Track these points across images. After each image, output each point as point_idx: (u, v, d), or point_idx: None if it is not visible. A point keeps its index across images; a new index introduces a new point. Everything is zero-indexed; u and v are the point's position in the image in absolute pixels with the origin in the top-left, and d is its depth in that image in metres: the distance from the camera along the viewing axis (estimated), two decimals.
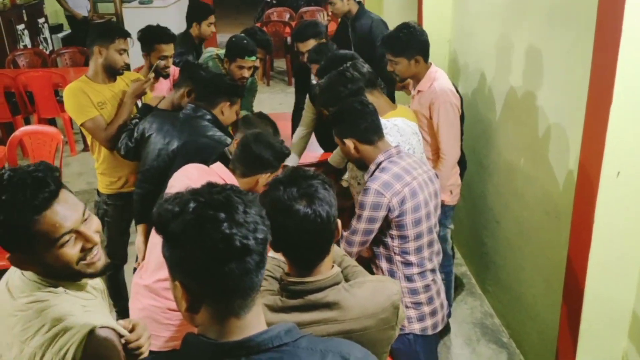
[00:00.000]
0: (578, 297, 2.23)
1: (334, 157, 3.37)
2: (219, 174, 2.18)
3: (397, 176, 2.10)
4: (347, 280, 1.59)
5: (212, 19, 4.29)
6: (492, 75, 3.38)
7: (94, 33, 2.92)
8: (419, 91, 2.98)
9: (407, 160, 2.18)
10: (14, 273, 1.43)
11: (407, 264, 2.16)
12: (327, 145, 3.74)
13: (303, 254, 1.47)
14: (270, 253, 1.81)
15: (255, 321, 1.05)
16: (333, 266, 1.52)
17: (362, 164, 2.23)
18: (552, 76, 2.66)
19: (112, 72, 2.91)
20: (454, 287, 3.73)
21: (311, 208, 1.41)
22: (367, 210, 2.10)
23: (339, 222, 1.52)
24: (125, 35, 2.92)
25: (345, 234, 2.16)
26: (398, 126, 2.46)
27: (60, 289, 1.38)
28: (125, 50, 2.90)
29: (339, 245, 2.13)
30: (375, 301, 1.51)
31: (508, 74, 3.14)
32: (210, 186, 1.06)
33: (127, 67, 2.98)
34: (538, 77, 2.77)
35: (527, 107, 2.91)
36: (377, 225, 2.13)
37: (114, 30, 2.92)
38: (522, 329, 3.17)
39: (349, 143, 2.18)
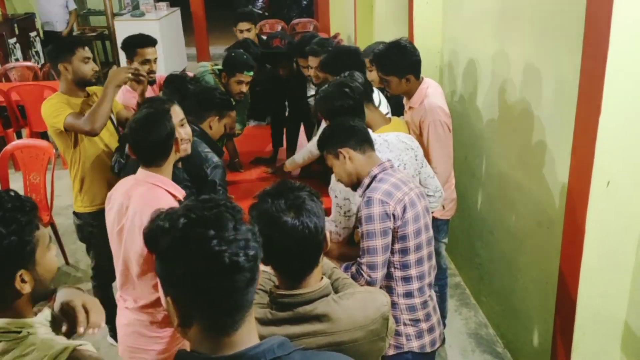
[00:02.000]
0: (571, 307, 2.23)
1: (291, 161, 3.41)
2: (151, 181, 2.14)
3: (396, 186, 2.08)
4: (337, 292, 1.59)
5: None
6: (484, 86, 3.40)
7: (52, 53, 2.90)
8: (410, 107, 2.98)
9: (400, 175, 2.17)
10: None
11: (407, 278, 2.12)
12: None
13: (291, 266, 1.46)
14: (261, 267, 1.81)
15: (247, 337, 1.05)
16: (322, 278, 1.51)
17: (355, 184, 2.16)
18: (542, 86, 2.68)
19: (83, 84, 2.88)
20: (448, 298, 3.73)
21: (299, 220, 1.41)
22: (378, 223, 2.03)
23: (328, 234, 1.52)
24: (84, 43, 2.90)
25: (363, 260, 2.05)
26: (388, 142, 2.44)
27: (24, 332, 1.32)
28: (89, 58, 2.87)
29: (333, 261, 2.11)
30: (364, 313, 1.50)
31: (499, 85, 3.17)
32: (203, 201, 1.05)
33: (97, 74, 2.92)
34: (529, 87, 2.80)
35: (519, 118, 2.93)
36: (390, 239, 2.06)
37: (70, 42, 2.92)
38: (517, 339, 3.17)
39: (345, 153, 2.12)
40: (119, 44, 3.55)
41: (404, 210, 2.06)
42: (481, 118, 3.46)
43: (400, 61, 2.84)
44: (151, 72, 3.26)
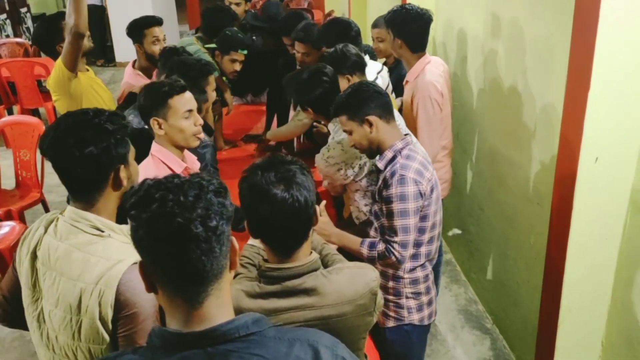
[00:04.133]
0: (558, 282, 2.25)
1: (272, 132, 3.43)
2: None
3: (424, 165, 2.05)
4: (326, 267, 1.59)
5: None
6: (476, 63, 3.38)
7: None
8: (406, 82, 2.96)
9: (421, 152, 2.15)
10: (50, 222, 1.54)
11: (416, 255, 2.13)
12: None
13: (281, 240, 1.46)
14: (250, 240, 1.81)
15: (218, 312, 1.04)
16: (311, 253, 1.51)
17: (374, 150, 2.11)
18: (533, 62, 2.66)
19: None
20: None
21: (289, 193, 1.40)
22: (412, 202, 1.99)
23: (318, 208, 1.52)
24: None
25: (395, 239, 2.03)
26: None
27: (106, 233, 1.47)
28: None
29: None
30: (353, 287, 1.51)
31: (491, 61, 3.14)
32: (179, 177, 1.07)
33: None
34: (520, 63, 2.78)
35: (510, 94, 2.92)
36: (419, 218, 2.06)
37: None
38: (505, 314, 3.20)
39: (373, 120, 2.04)
40: (112, 21, 3.48)
41: (432, 190, 2.06)
42: (473, 94, 3.45)
43: (403, 21, 2.80)
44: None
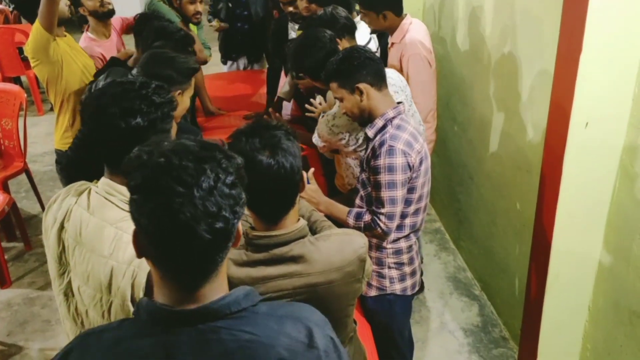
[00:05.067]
0: (545, 249, 2.25)
1: (285, 89, 3.35)
2: None
3: (414, 136, 2.01)
4: (314, 234, 1.57)
5: None
6: (465, 30, 3.33)
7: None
8: (392, 44, 2.93)
9: (413, 122, 2.10)
10: (81, 193, 1.47)
11: (401, 226, 2.11)
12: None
13: (267, 207, 1.43)
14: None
15: (212, 294, 0.99)
16: (299, 220, 1.49)
17: (365, 119, 2.07)
18: (524, 27, 2.62)
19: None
20: (428, 242, 3.78)
21: (274, 159, 1.37)
22: (400, 174, 1.97)
23: (305, 174, 1.48)
24: None
25: (382, 210, 2.01)
26: (391, 77, 2.35)
27: None
28: None
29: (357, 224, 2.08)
30: (341, 255, 1.49)
31: (480, 28, 3.10)
32: (201, 145, 0.97)
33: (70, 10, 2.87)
34: (510, 28, 2.73)
35: (500, 61, 2.88)
36: (406, 190, 2.03)
37: None
38: (494, 281, 3.22)
39: (363, 89, 1.99)
40: None
41: (420, 162, 2.03)
42: (463, 62, 3.41)
43: None
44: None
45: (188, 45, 2.63)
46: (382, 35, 3.39)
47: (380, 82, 2.04)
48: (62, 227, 1.46)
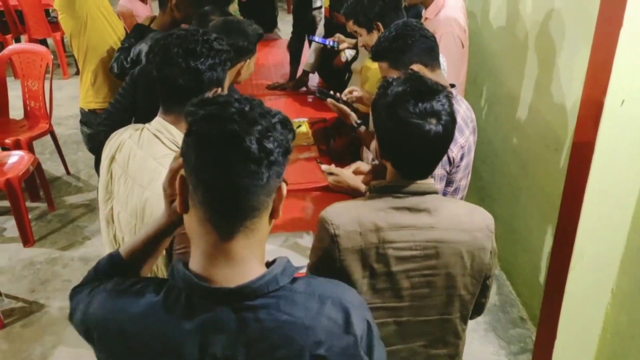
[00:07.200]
0: (572, 227, 2.20)
1: (310, 60, 3.35)
2: None
3: (460, 128, 1.90)
4: None
5: None
6: (500, 4, 3.24)
7: None
8: (426, 18, 2.85)
9: (464, 106, 2.00)
10: (136, 130, 1.60)
11: None
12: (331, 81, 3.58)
13: (416, 167, 1.44)
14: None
15: (246, 254, 0.97)
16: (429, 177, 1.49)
17: None
18: (564, 1, 2.53)
19: None
20: None
21: (436, 126, 1.37)
22: (439, 168, 1.88)
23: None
24: None
25: None
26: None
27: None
28: None
29: None
30: (470, 218, 1.46)
31: (518, 2, 3.00)
32: (261, 110, 0.97)
33: None
34: (549, 2, 2.65)
35: (533, 35, 2.80)
36: (444, 185, 1.99)
37: None
38: (514, 260, 3.19)
39: (418, 69, 1.83)
40: None
41: (462, 157, 1.96)
42: (493, 36, 3.32)
43: None
44: None
45: (227, 3, 2.61)
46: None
47: (433, 61, 1.92)
48: (113, 159, 1.59)
